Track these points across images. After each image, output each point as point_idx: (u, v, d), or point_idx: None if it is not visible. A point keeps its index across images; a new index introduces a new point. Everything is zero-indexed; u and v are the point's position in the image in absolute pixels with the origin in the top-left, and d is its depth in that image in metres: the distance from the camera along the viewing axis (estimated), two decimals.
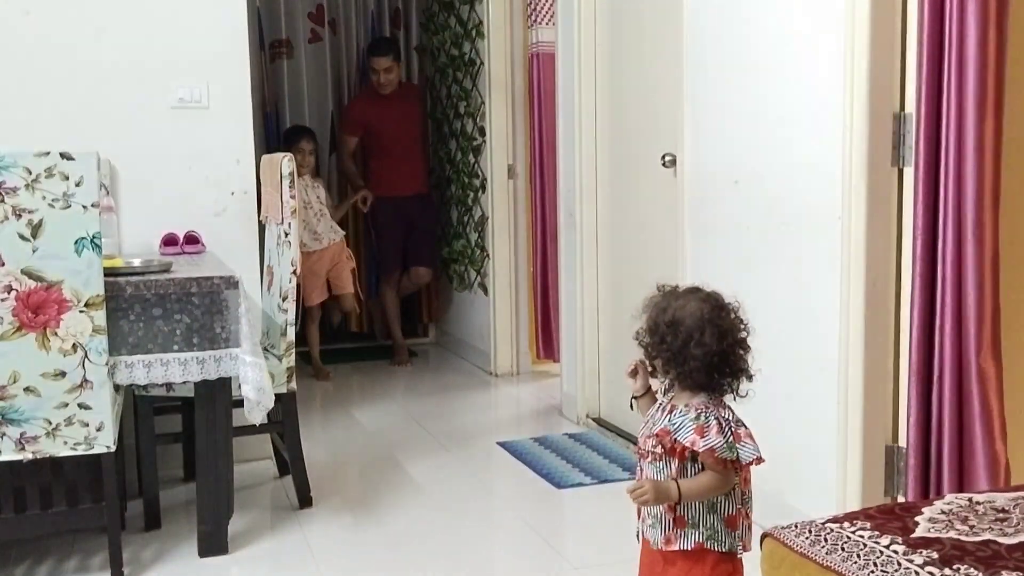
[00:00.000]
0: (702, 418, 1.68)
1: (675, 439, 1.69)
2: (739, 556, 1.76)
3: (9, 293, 2.34)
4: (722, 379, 1.71)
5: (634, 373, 1.84)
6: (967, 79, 2.12)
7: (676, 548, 1.73)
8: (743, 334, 1.72)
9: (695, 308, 1.70)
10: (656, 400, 1.82)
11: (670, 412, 1.74)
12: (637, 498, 1.70)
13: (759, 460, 1.69)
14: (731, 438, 1.67)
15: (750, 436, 1.70)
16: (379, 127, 5.18)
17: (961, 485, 2.19)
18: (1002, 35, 2.12)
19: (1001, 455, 2.13)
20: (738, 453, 1.67)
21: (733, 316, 1.73)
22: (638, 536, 1.82)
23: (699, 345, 1.68)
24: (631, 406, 1.89)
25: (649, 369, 1.79)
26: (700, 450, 1.66)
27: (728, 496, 1.73)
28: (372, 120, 5.18)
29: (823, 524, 1.61)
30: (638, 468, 1.81)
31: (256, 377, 2.59)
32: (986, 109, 2.11)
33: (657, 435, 1.73)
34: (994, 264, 2.14)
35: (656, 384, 1.84)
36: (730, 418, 1.70)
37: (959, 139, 2.14)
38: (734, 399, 1.74)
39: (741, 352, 1.72)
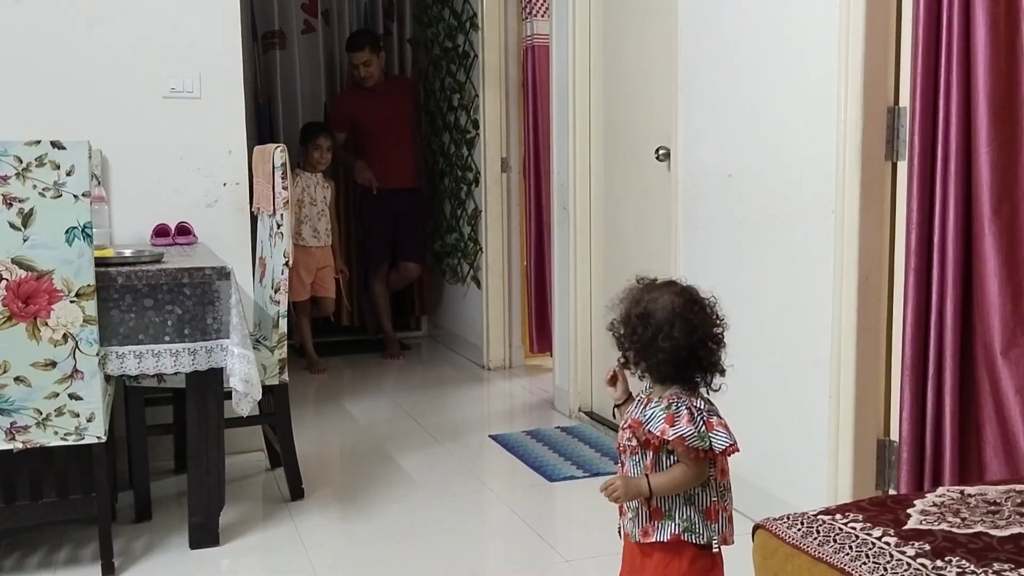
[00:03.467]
0: (672, 407, 1.68)
1: (647, 430, 1.70)
2: (717, 551, 1.75)
3: None
4: (691, 373, 1.71)
5: (613, 381, 1.83)
6: (970, 72, 2.11)
7: (653, 540, 1.73)
8: (717, 329, 1.72)
9: (667, 302, 1.70)
10: None
11: (645, 405, 1.74)
12: (609, 495, 1.71)
13: (733, 449, 1.68)
14: (703, 427, 1.67)
15: (723, 425, 1.69)
16: (366, 121, 5.17)
17: (959, 479, 2.19)
18: (1010, 27, 2.10)
19: None
20: (711, 442, 1.67)
21: (708, 311, 1.72)
22: (620, 532, 1.83)
23: (668, 339, 1.67)
24: (613, 414, 1.88)
25: (621, 361, 1.78)
26: (670, 439, 1.66)
27: (705, 488, 1.73)
28: (359, 114, 5.16)
29: (815, 516, 1.61)
30: (619, 463, 1.81)
31: (243, 369, 2.59)
32: (989, 102, 2.10)
33: (630, 426, 1.74)
34: (1010, 256, 2.13)
35: (637, 388, 1.84)
36: (702, 407, 1.70)
37: (960, 133, 2.14)
38: (707, 393, 1.74)
39: (713, 347, 1.71)
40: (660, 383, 1.73)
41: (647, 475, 1.71)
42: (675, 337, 1.67)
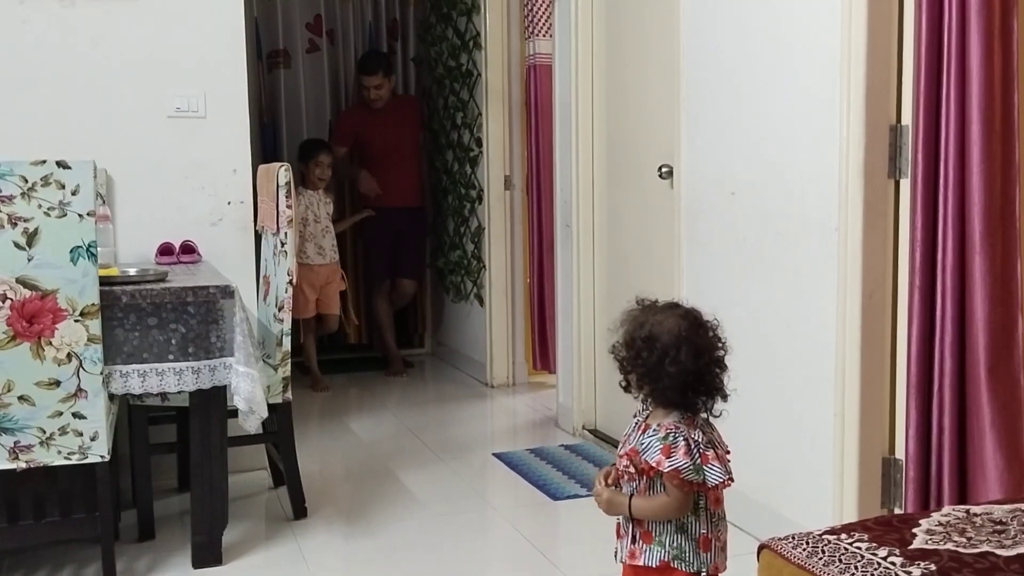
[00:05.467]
0: (670, 438, 1.67)
1: (643, 459, 1.69)
2: None
3: (4, 302, 2.33)
4: (696, 398, 1.70)
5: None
6: (970, 90, 2.12)
7: (640, 563, 1.73)
8: (720, 353, 1.71)
9: (672, 325, 1.68)
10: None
11: (643, 431, 1.73)
12: (595, 499, 1.75)
13: (726, 484, 1.68)
14: (699, 460, 1.66)
15: (719, 458, 1.69)
16: (371, 139, 5.18)
17: (964, 497, 2.18)
18: (1008, 45, 2.11)
19: (1016, 467, 2.12)
20: (705, 476, 1.66)
21: (711, 334, 1.71)
22: (616, 555, 1.82)
23: (674, 363, 1.66)
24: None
25: (623, 384, 1.77)
26: (665, 470, 1.66)
27: (699, 517, 1.72)
28: (363, 132, 5.18)
29: (820, 535, 1.60)
30: (617, 486, 1.80)
31: (247, 388, 2.58)
32: (993, 119, 2.11)
33: (627, 454, 1.73)
34: (1004, 276, 2.13)
35: (633, 407, 1.83)
36: (700, 439, 1.68)
37: (962, 150, 2.14)
38: (707, 418, 1.73)
39: (717, 371, 1.70)
40: (663, 407, 1.72)
41: (631, 496, 1.72)
42: (682, 361, 1.65)
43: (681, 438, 1.67)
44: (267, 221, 3.19)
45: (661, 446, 1.67)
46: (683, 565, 1.71)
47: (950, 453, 2.20)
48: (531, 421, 4.36)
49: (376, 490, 3.36)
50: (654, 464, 1.67)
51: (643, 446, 1.70)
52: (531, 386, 4.97)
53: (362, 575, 2.72)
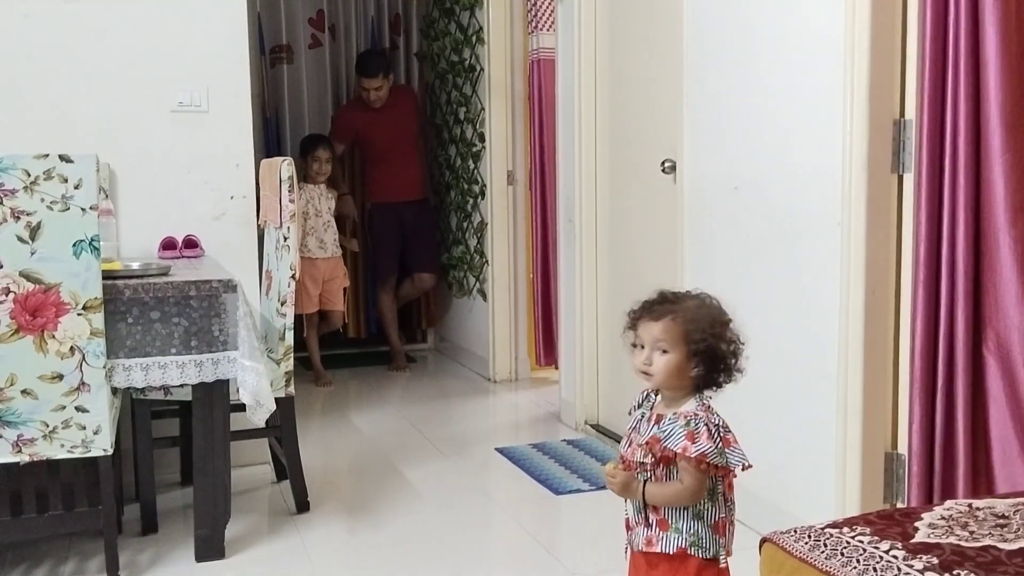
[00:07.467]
0: (692, 424, 1.68)
1: (665, 446, 1.70)
2: (725, 565, 1.74)
3: (7, 295, 2.33)
4: (730, 377, 1.74)
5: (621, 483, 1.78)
6: (985, 80, 2.10)
7: (657, 551, 1.74)
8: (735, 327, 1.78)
9: (715, 307, 1.74)
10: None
11: (657, 422, 1.74)
12: (608, 477, 1.75)
13: (747, 466, 1.69)
14: (720, 444, 1.68)
15: (738, 442, 1.71)
16: (371, 134, 5.17)
17: (972, 491, 2.18)
18: (1021, 36, 2.10)
19: None
20: (727, 459, 1.68)
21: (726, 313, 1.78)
22: (626, 551, 1.82)
23: (730, 342, 1.72)
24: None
25: (722, 381, 1.77)
26: (692, 456, 1.66)
27: (715, 503, 1.73)
28: (362, 128, 5.17)
29: (822, 529, 1.60)
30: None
31: (253, 381, 2.59)
32: (1013, 108, 2.09)
33: (648, 443, 1.73)
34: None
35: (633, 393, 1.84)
36: (719, 424, 1.71)
37: (975, 142, 2.13)
38: (713, 392, 1.75)
39: (742, 346, 1.76)
40: (685, 395, 1.72)
41: (645, 482, 1.72)
42: (735, 340, 1.72)
43: (702, 424, 1.68)
44: (270, 215, 3.19)
45: (685, 432, 1.68)
46: (700, 552, 1.72)
47: (965, 450, 2.19)
48: (534, 416, 4.37)
49: (378, 484, 3.37)
50: (679, 451, 1.67)
51: (665, 434, 1.70)
52: (533, 381, 4.97)
53: (364, 569, 2.72)
